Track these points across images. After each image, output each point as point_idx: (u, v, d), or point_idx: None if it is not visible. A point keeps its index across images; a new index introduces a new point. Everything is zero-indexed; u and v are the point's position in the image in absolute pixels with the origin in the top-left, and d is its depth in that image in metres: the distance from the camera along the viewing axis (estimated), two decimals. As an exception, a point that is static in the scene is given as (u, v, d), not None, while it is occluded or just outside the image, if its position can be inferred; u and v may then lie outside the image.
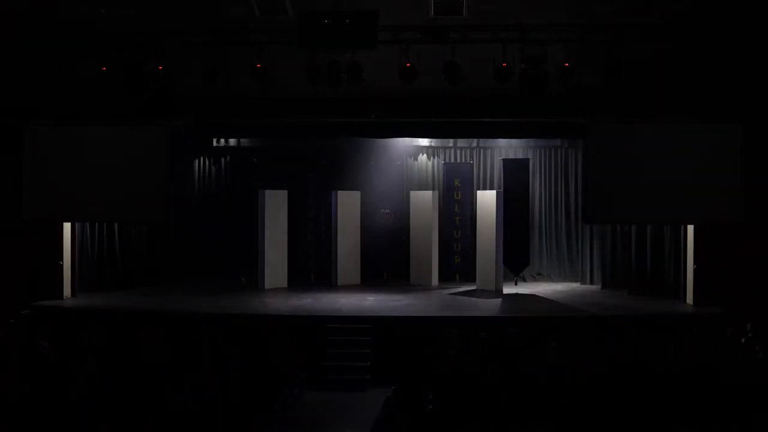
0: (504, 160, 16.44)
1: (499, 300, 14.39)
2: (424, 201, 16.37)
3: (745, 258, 13.08)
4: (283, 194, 16.31)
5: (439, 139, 16.75)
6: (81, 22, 11.99)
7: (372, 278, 16.70)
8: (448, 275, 16.71)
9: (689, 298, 13.73)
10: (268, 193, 15.98)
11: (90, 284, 14.83)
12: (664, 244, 14.59)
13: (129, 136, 13.55)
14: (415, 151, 17.23)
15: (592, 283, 16.14)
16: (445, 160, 17.20)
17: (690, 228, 13.79)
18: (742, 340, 9.99)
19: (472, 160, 17.17)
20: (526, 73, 10.99)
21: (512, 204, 15.68)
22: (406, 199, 16.63)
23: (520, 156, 16.85)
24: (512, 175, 15.94)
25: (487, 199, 15.59)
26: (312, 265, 17.14)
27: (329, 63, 10.98)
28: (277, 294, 14.91)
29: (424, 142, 16.92)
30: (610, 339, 9.64)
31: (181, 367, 8.83)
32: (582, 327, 10.16)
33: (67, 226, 14.40)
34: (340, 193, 16.45)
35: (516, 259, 15.83)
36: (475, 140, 16.83)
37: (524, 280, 16.40)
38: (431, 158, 17.29)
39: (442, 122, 14.39)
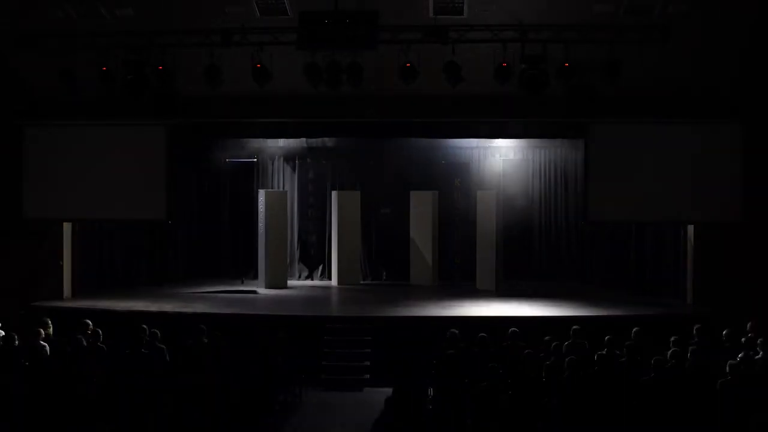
0: (504, 160, 16.42)
1: (498, 300, 14.40)
2: (424, 201, 16.36)
3: (745, 258, 13.08)
4: (282, 194, 16.32)
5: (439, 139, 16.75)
6: (81, 21, 12.02)
7: (372, 278, 16.70)
8: (447, 275, 16.72)
9: (689, 298, 13.73)
10: (268, 192, 15.99)
11: (90, 284, 14.83)
12: (664, 244, 14.59)
13: (129, 136, 13.57)
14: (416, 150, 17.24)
15: (592, 283, 16.14)
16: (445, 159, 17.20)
17: (690, 228, 13.79)
18: (742, 340, 9.99)
19: (472, 160, 17.17)
20: (526, 73, 10.98)
21: (512, 204, 15.68)
22: (406, 199, 16.63)
23: (520, 156, 16.85)
24: (512, 175, 15.93)
25: (487, 199, 15.58)
26: (313, 265, 17.17)
27: (329, 63, 10.97)
28: (277, 294, 14.90)
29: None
30: (610, 339, 9.62)
31: (181, 367, 8.83)
32: (582, 327, 10.13)
33: (67, 226, 14.41)
34: (340, 193, 16.45)
35: (516, 259, 15.84)
36: (475, 140, 16.82)
37: (524, 279, 16.39)
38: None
39: (441, 122, 14.40)
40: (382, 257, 17.00)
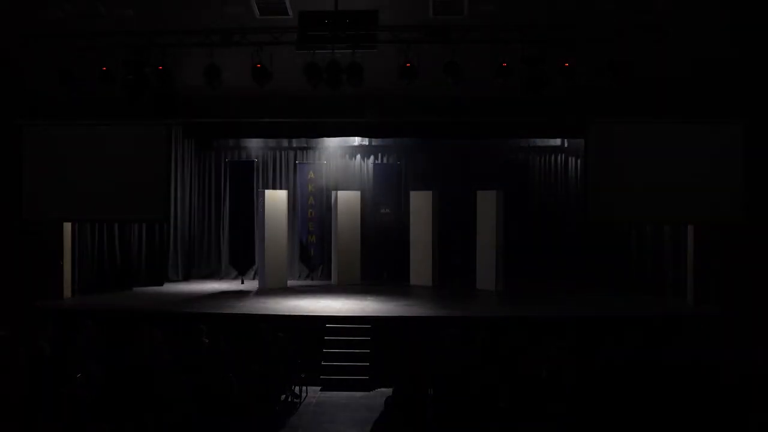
0: (502, 159, 16.40)
1: (498, 300, 14.39)
2: (423, 201, 16.35)
3: (745, 258, 13.07)
4: (282, 194, 16.32)
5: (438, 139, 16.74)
6: (81, 21, 12.02)
7: (372, 278, 16.70)
8: (447, 275, 16.71)
9: (689, 298, 13.73)
10: (268, 192, 15.99)
11: (90, 284, 14.83)
12: (664, 244, 14.59)
13: (129, 135, 13.57)
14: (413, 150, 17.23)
15: (592, 283, 16.13)
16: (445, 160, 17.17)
17: (690, 228, 13.79)
18: (743, 340, 10.00)
19: (472, 160, 17.15)
20: (526, 73, 10.98)
21: (512, 204, 15.66)
22: (406, 199, 16.61)
23: (519, 156, 16.84)
24: (510, 175, 15.89)
25: (486, 199, 15.58)
26: (313, 265, 17.17)
27: (329, 63, 10.97)
28: (277, 294, 14.91)
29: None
30: (609, 339, 9.63)
31: (181, 367, 8.83)
32: (582, 327, 10.15)
33: (67, 226, 14.41)
34: (340, 193, 16.45)
35: (514, 259, 15.82)
36: (475, 140, 16.79)
37: (524, 279, 16.36)
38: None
39: (441, 122, 14.40)
40: (382, 257, 16.99)
